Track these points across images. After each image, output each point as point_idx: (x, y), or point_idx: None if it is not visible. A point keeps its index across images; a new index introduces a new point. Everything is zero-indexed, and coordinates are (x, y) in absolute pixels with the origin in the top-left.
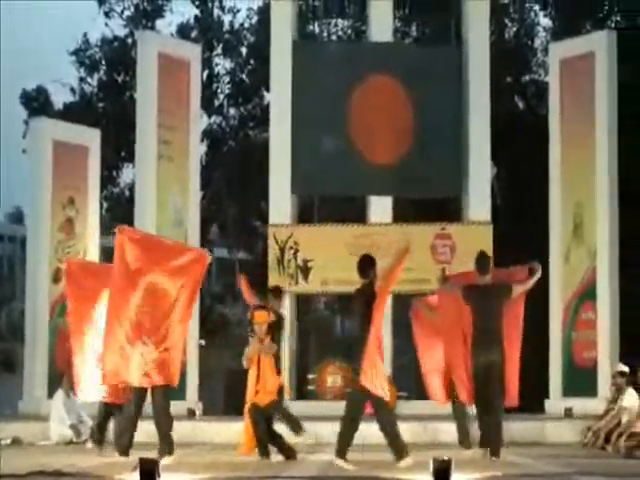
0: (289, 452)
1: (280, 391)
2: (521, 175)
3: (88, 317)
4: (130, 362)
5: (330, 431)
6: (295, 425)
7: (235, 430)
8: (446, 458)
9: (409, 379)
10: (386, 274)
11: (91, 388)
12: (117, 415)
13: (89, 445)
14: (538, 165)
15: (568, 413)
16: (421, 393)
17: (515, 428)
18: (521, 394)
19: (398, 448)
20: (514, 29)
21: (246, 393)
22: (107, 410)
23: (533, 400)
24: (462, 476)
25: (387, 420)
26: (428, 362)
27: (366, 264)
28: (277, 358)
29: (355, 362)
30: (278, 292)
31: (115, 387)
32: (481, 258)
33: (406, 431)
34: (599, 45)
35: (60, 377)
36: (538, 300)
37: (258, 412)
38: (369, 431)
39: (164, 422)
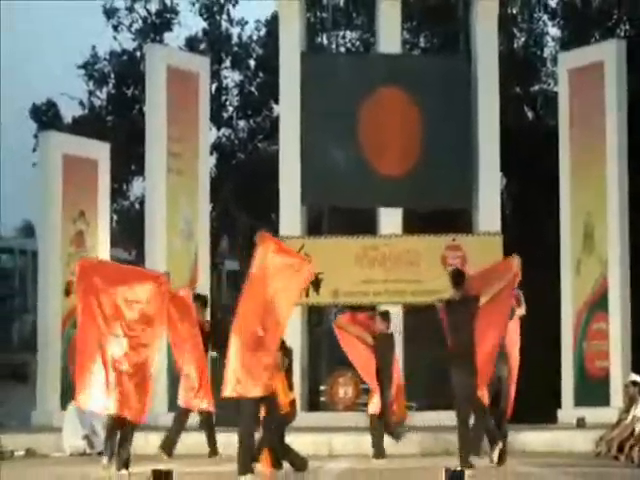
0: (300, 464)
1: (293, 405)
2: (531, 186)
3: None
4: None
5: (342, 442)
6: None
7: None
8: (458, 469)
9: (419, 390)
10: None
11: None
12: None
13: (104, 460)
14: (548, 175)
15: (580, 423)
16: (431, 403)
17: (527, 438)
18: (533, 404)
19: None
20: (523, 39)
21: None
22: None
23: (545, 410)
24: None
25: None
26: None
27: (461, 276)
28: (289, 372)
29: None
30: None
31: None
32: (453, 275)
33: (417, 442)
34: (608, 54)
35: (73, 388)
36: (550, 310)
37: (267, 421)
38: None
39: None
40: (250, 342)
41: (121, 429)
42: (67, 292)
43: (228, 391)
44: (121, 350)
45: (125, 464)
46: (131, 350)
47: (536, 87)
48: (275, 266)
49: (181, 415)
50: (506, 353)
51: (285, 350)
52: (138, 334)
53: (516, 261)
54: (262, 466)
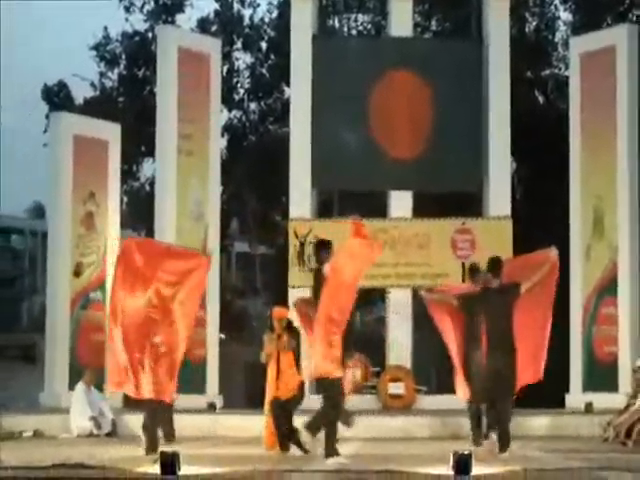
0: (307, 447)
1: (301, 387)
2: (541, 170)
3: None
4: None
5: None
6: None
7: (255, 424)
8: (466, 452)
9: (428, 373)
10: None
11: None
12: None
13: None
14: (558, 159)
15: (588, 408)
16: (440, 387)
17: (535, 423)
18: (541, 388)
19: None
20: (534, 23)
21: (266, 388)
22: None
23: (553, 395)
24: (482, 470)
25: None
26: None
27: (499, 264)
28: (297, 354)
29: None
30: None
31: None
32: (491, 263)
33: (425, 425)
34: (620, 39)
35: (81, 370)
36: (558, 295)
37: (279, 406)
38: (383, 424)
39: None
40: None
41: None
42: (76, 273)
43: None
44: (158, 330)
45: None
46: (167, 329)
47: (547, 71)
48: (355, 249)
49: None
50: (510, 338)
51: (292, 331)
52: (173, 313)
53: (554, 252)
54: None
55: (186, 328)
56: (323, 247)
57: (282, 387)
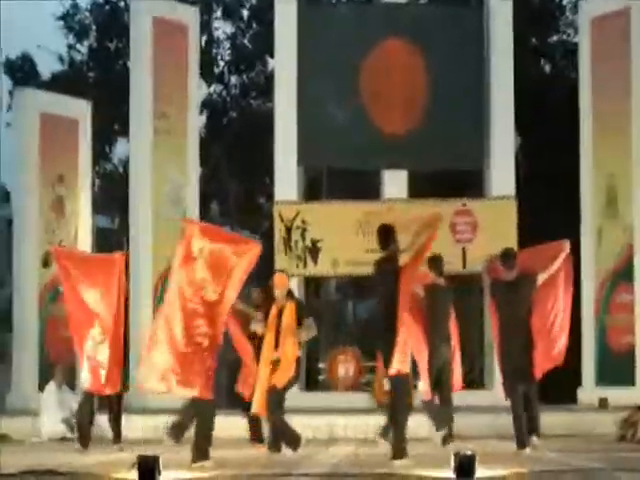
0: (295, 442)
1: (297, 363)
2: (548, 145)
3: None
4: None
5: (343, 424)
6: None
7: (240, 424)
8: (469, 452)
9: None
10: (417, 246)
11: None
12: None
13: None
14: (567, 134)
15: (603, 403)
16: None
17: (545, 420)
18: (551, 383)
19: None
20: None
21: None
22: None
23: (564, 389)
24: (487, 472)
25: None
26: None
27: (387, 233)
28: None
29: (384, 350)
30: None
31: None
32: (505, 255)
33: (426, 424)
34: (634, 1)
35: (51, 368)
36: None
37: (275, 396)
38: (379, 423)
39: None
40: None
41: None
42: (45, 263)
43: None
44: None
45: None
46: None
47: (554, 38)
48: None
49: None
50: (528, 330)
51: (295, 301)
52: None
53: (566, 244)
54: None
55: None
56: (390, 232)
57: (280, 372)
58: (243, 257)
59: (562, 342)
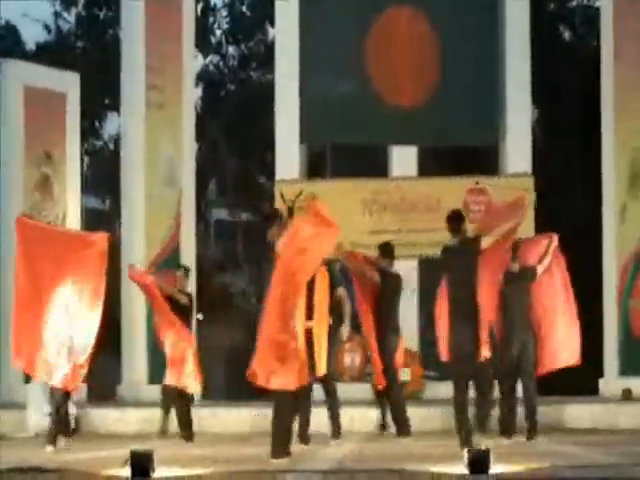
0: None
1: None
2: (567, 118)
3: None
4: None
5: (348, 417)
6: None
7: (239, 418)
8: (483, 448)
9: (438, 356)
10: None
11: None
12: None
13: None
14: (588, 106)
15: (626, 395)
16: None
17: (565, 412)
18: (571, 373)
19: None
20: None
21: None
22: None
23: (585, 380)
24: (502, 468)
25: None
26: None
27: (459, 218)
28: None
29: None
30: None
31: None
32: (515, 246)
33: (436, 417)
34: None
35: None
36: (589, 264)
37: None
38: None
39: None
40: None
41: None
42: None
43: None
44: None
45: None
46: None
47: (574, 2)
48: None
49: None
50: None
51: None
52: None
53: (555, 236)
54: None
55: None
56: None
57: (323, 358)
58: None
59: (576, 340)
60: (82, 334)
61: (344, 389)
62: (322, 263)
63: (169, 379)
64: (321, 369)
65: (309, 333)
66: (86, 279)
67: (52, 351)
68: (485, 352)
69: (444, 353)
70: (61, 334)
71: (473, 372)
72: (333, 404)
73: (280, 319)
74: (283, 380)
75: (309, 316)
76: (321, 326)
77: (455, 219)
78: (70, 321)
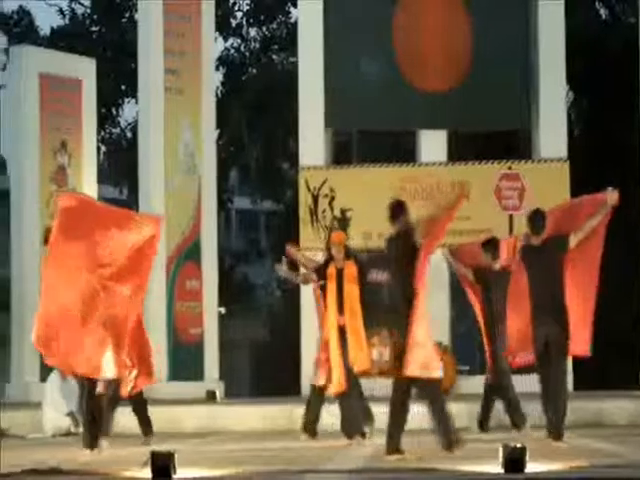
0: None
1: None
2: (604, 101)
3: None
4: None
5: (377, 414)
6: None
7: (262, 415)
8: (519, 445)
9: (470, 350)
10: (434, 224)
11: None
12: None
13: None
14: (626, 87)
15: None
16: (485, 366)
17: (604, 407)
18: (609, 366)
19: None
20: None
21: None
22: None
23: (625, 372)
24: (539, 466)
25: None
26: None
27: (398, 209)
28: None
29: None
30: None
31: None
32: (535, 216)
33: (467, 412)
34: None
35: None
36: (628, 253)
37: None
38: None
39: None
40: None
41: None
42: (47, 240)
43: None
44: None
45: None
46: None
47: None
48: None
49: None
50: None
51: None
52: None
53: (614, 194)
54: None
55: None
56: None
57: (354, 352)
58: None
59: (588, 329)
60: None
61: (371, 385)
62: (348, 254)
63: None
64: (362, 364)
65: (343, 329)
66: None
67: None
68: None
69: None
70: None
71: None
72: None
73: None
74: None
75: (340, 311)
76: (354, 319)
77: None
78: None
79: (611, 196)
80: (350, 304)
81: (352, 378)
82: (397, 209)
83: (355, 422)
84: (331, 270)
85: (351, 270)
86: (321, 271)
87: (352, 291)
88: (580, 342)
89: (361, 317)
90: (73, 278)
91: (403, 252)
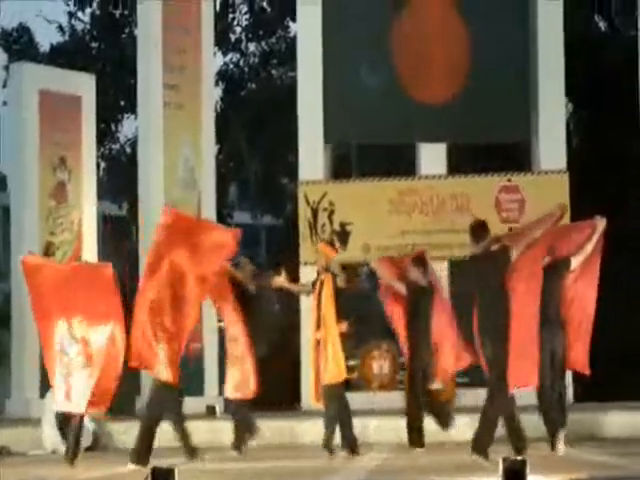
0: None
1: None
2: (604, 112)
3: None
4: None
5: (377, 428)
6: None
7: (264, 430)
8: (519, 458)
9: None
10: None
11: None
12: None
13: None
14: (625, 99)
15: None
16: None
17: (610, 421)
18: (621, 378)
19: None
20: None
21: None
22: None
23: (635, 384)
24: (539, 479)
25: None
26: None
27: (482, 227)
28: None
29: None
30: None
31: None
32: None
33: (469, 426)
34: None
35: None
36: (630, 257)
37: (334, 396)
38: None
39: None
40: None
41: None
42: (47, 255)
43: None
44: None
45: None
46: None
47: None
48: None
49: None
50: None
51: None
52: None
53: (602, 221)
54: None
55: None
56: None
57: (329, 364)
58: None
59: (585, 346)
60: None
61: (372, 398)
62: (325, 269)
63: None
64: (334, 376)
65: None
66: None
67: None
68: None
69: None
70: None
71: None
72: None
73: None
74: None
75: (319, 326)
76: (330, 334)
77: (476, 229)
78: None
79: (600, 223)
80: (325, 317)
81: (335, 390)
82: (481, 229)
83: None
84: (317, 283)
85: (329, 283)
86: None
87: (328, 304)
88: (579, 358)
89: (336, 330)
90: None
91: (500, 270)
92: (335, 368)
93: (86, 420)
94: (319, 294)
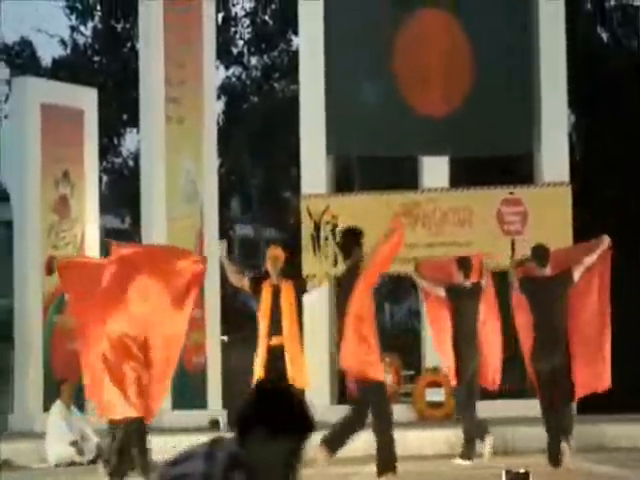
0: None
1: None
2: (607, 124)
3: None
4: None
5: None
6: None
7: None
8: (522, 470)
9: None
10: (372, 255)
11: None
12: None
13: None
14: (628, 111)
15: None
16: (489, 391)
17: (613, 431)
18: (626, 388)
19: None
20: None
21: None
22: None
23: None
24: None
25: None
26: None
27: (350, 241)
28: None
29: None
30: None
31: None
32: (538, 251)
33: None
34: None
35: (58, 386)
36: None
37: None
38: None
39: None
40: None
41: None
42: (49, 269)
43: None
44: None
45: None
46: None
47: (612, 2)
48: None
49: None
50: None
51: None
52: None
53: (606, 239)
54: None
55: None
56: (353, 237)
57: (296, 374)
58: None
59: (606, 363)
60: None
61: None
62: (287, 276)
63: None
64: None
65: (276, 348)
66: None
67: None
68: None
69: None
70: None
71: None
72: None
73: None
74: None
75: (276, 331)
76: (293, 340)
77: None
78: None
79: (604, 241)
80: (288, 324)
81: None
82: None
83: None
84: (266, 286)
85: (289, 289)
86: (253, 284)
87: (290, 310)
88: (600, 377)
89: (299, 337)
90: None
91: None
92: (305, 377)
93: (90, 432)
94: (273, 300)
